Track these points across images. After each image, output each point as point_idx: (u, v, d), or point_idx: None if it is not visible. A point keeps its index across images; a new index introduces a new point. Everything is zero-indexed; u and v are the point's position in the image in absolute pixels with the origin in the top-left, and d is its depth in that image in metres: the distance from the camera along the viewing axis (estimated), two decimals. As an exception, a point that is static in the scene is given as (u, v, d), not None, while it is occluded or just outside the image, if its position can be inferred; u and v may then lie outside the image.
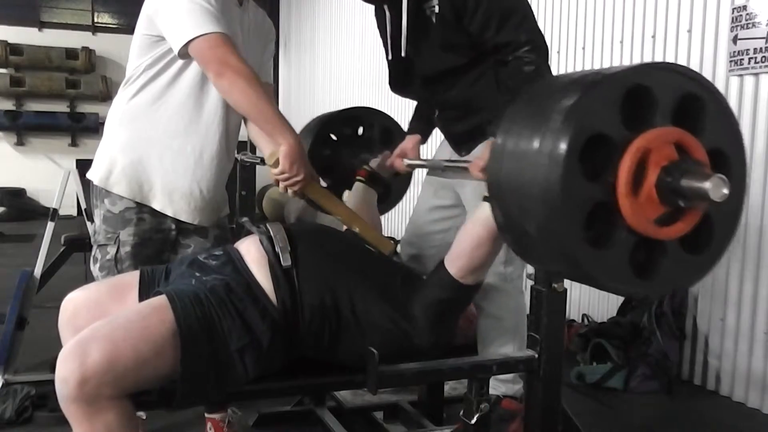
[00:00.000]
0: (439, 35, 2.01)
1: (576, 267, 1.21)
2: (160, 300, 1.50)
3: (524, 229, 1.25)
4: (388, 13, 2.14)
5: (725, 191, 1.16)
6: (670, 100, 1.22)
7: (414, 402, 2.63)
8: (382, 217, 2.74)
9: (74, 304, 1.69)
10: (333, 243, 1.79)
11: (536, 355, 1.68)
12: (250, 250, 1.67)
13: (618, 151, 1.19)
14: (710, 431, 2.81)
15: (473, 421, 1.68)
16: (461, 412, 1.73)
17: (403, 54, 2.12)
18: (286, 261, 1.61)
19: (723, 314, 3.14)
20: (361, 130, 2.66)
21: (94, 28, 9.54)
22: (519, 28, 1.93)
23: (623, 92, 1.18)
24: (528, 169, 1.20)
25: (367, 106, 2.81)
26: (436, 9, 1.98)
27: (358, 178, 2.26)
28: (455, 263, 1.67)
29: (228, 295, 1.53)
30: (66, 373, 1.34)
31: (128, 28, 9.45)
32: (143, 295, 1.67)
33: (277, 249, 1.63)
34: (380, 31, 2.25)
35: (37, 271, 3.11)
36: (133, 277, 1.74)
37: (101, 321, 1.45)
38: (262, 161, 4.11)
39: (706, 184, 1.15)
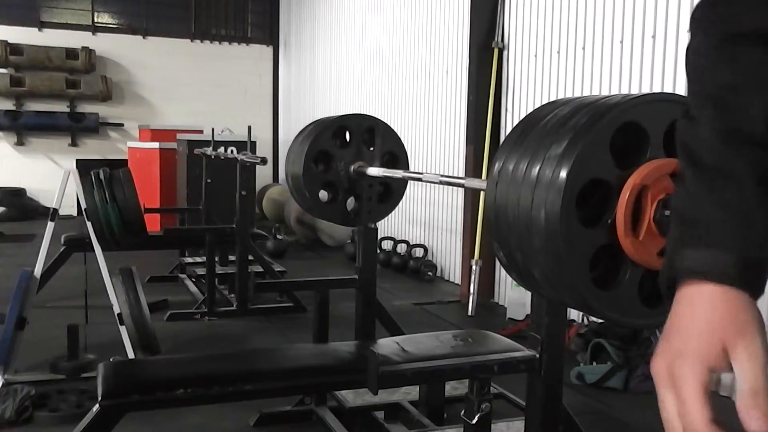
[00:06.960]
0: None
1: (586, 308, 1.23)
2: None
3: (530, 272, 1.26)
4: None
5: None
6: (660, 130, 1.22)
7: (414, 402, 2.63)
8: (384, 219, 2.74)
9: None
10: None
11: (537, 355, 1.68)
12: None
13: (614, 192, 1.19)
14: (710, 431, 2.81)
15: (474, 421, 1.68)
16: (462, 412, 1.73)
17: None
18: None
19: (723, 314, 3.13)
20: (360, 138, 2.66)
21: (94, 28, 9.51)
22: None
23: (612, 133, 1.18)
24: (525, 218, 1.20)
25: (370, 114, 2.80)
26: None
27: None
28: None
29: None
30: None
31: (128, 28, 9.40)
32: None
33: None
34: None
35: (37, 271, 3.11)
36: None
37: None
38: (263, 161, 4.12)
39: None
